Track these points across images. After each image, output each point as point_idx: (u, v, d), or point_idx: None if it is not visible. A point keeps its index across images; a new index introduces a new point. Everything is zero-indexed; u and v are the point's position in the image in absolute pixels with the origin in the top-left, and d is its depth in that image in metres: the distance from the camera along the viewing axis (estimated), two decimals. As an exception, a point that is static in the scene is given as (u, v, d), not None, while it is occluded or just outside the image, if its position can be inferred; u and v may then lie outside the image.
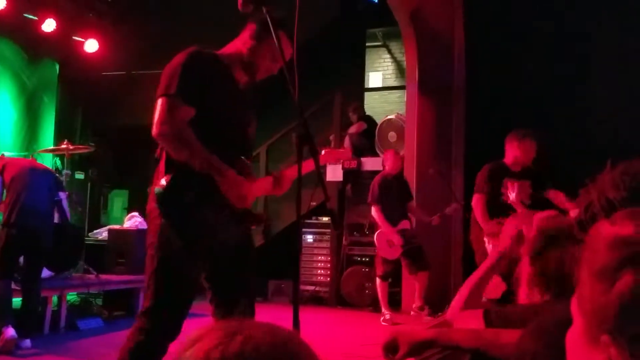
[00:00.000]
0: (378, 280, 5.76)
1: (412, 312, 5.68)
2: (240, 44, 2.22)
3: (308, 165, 2.12)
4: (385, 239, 5.61)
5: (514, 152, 4.53)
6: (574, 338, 0.76)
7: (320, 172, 1.82)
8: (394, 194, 5.73)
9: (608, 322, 0.68)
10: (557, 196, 4.28)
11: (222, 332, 0.61)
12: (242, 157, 2.17)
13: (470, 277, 1.87)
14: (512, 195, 4.34)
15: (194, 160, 1.97)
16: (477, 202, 4.60)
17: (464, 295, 1.81)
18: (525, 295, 1.55)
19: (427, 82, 6.61)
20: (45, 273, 4.76)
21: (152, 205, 2.04)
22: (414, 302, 5.74)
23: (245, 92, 2.27)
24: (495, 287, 2.48)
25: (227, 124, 2.13)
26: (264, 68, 2.22)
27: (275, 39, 1.93)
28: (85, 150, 6.04)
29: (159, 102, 2.02)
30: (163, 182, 1.94)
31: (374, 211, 5.73)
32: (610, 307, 0.68)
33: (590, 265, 0.72)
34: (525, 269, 1.53)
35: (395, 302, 6.14)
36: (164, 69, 2.08)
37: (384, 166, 6.02)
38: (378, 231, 5.67)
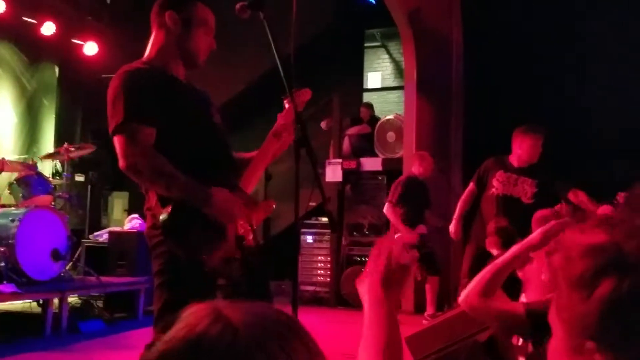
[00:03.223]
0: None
1: (424, 321, 5.31)
2: (163, 37, 2.03)
3: (288, 114, 2.06)
4: (404, 244, 5.51)
5: (516, 149, 4.44)
6: (555, 348, 0.77)
7: (317, 174, 1.83)
8: (418, 197, 5.61)
9: (590, 329, 0.69)
10: (577, 196, 4.11)
11: (199, 314, 0.60)
12: (225, 165, 2.01)
13: (495, 263, 1.81)
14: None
15: (172, 189, 1.82)
16: (466, 190, 4.72)
17: (485, 279, 1.74)
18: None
19: (426, 82, 6.62)
20: (48, 274, 4.78)
21: (152, 232, 1.91)
22: (426, 310, 5.64)
23: (192, 86, 2.10)
24: None
25: (195, 131, 1.97)
26: (205, 46, 2.06)
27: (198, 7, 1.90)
28: (87, 151, 6.02)
29: (115, 140, 1.85)
30: (168, 210, 1.82)
31: (387, 210, 5.56)
32: (591, 315, 0.69)
33: (566, 275, 0.73)
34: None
35: (395, 302, 6.14)
36: (107, 101, 1.90)
37: (414, 167, 5.77)
38: (396, 236, 5.53)
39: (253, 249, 2.03)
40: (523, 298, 2.10)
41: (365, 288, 1.11)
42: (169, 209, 1.80)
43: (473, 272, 4.24)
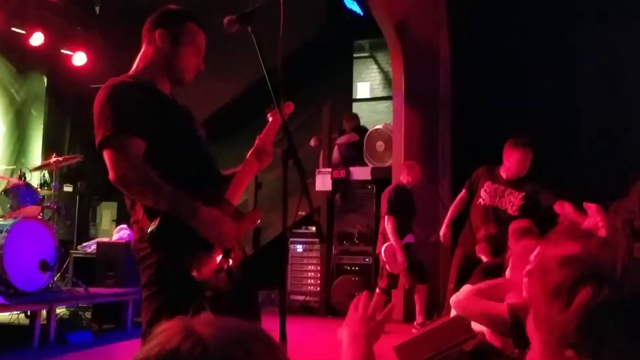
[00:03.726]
0: (378, 291, 5.63)
1: (413, 330, 5.32)
2: (152, 53, 2.05)
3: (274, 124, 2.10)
4: (393, 253, 5.50)
5: (505, 161, 4.46)
6: (534, 359, 0.79)
7: (305, 185, 1.85)
8: (406, 207, 5.63)
9: (569, 337, 0.71)
10: (563, 207, 4.01)
11: (171, 330, 0.62)
12: (211, 177, 2.03)
13: (489, 284, 1.85)
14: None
15: (160, 201, 1.82)
16: (457, 197, 4.77)
17: (479, 287, 1.78)
18: None
19: (414, 92, 6.68)
20: (36, 285, 4.75)
21: (139, 244, 1.91)
22: (416, 319, 5.64)
23: (175, 101, 2.12)
24: None
25: (181, 144, 1.98)
26: (192, 66, 2.08)
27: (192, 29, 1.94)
28: (74, 160, 6.01)
29: (104, 153, 1.86)
30: (156, 222, 1.82)
31: (387, 222, 5.52)
32: (570, 323, 0.71)
33: (543, 286, 0.75)
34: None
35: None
36: (94, 114, 1.91)
37: (403, 177, 5.76)
38: (386, 244, 5.51)
39: (240, 260, 2.03)
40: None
41: (345, 327, 1.13)
42: (157, 221, 1.80)
43: (460, 278, 4.29)
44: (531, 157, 4.40)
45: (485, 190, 4.50)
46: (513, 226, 3.44)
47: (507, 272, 1.92)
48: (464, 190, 4.75)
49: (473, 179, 4.66)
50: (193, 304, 1.87)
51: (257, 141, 2.13)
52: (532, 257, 1.59)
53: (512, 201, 4.40)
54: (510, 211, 4.39)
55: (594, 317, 0.70)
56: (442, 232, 4.91)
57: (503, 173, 4.48)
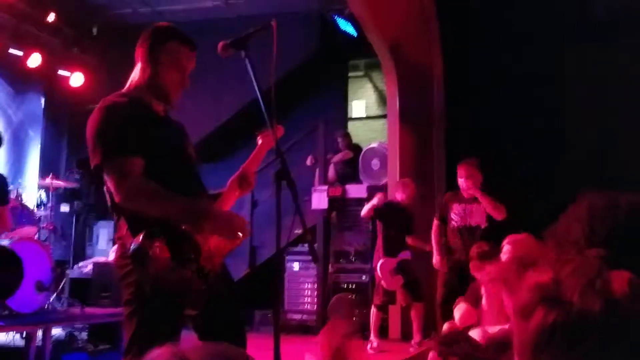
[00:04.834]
0: (374, 309, 5.66)
1: (411, 348, 5.43)
2: (139, 71, 2.08)
3: (256, 159, 2.14)
4: (388, 269, 5.50)
5: (458, 183, 4.86)
6: None
7: (298, 206, 1.87)
8: (399, 224, 5.66)
9: (528, 358, 0.73)
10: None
11: (164, 356, 0.63)
12: (197, 196, 2.05)
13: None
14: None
15: (169, 210, 1.85)
16: (433, 227, 5.12)
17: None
18: None
19: (408, 111, 6.75)
20: (31, 307, 4.73)
21: (121, 261, 1.93)
22: (413, 338, 5.63)
23: (168, 118, 2.14)
24: (468, 316, 2.54)
25: (170, 162, 2.00)
26: (175, 84, 2.08)
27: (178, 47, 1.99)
28: (70, 185, 6.04)
29: (106, 177, 1.88)
30: (138, 240, 1.83)
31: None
32: (526, 345, 0.73)
33: (514, 307, 0.78)
34: None
35: (382, 330, 6.12)
36: (86, 134, 1.93)
37: (397, 194, 5.79)
38: (381, 261, 5.51)
39: (220, 278, 2.03)
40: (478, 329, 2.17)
41: None
42: (140, 238, 1.81)
43: (445, 301, 4.58)
44: (474, 169, 4.75)
45: (455, 213, 4.84)
46: (472, 252, 3.61)
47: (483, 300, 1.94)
48: (436, 220, 5.08)
49: (441, 205, 5.05)
50: (174, 323, 1.88)
51: (240, 169, 2.16)
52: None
53: (480, 213, 4.73)
54: (482, 225, 4.72)
55: (542, 341, 0.72)
56: (435, 260, 5.12)
57: (463, 193, 4.84)
